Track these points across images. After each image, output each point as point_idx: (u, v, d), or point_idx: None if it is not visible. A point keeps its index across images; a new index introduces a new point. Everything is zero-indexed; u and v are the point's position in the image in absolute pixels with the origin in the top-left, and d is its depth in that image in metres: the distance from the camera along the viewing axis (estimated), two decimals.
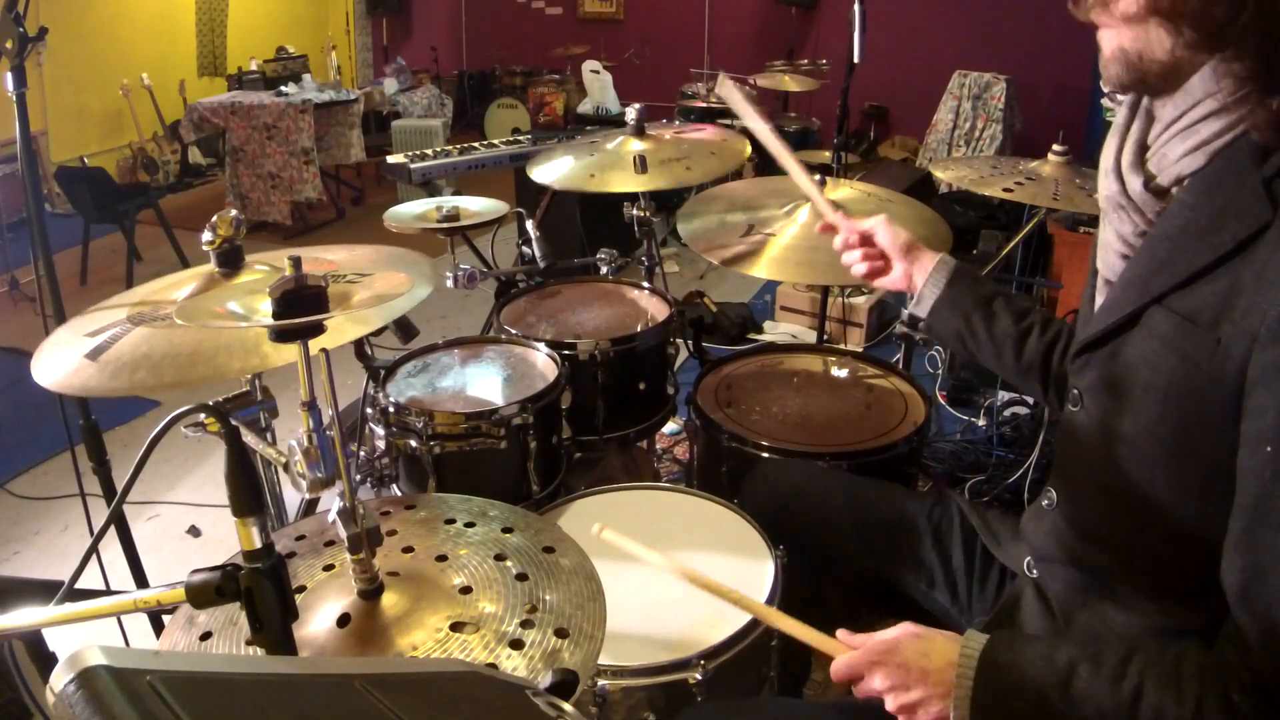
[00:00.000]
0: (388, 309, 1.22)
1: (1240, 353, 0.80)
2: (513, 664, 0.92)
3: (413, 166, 3.41)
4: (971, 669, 0.90)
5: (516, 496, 1.64)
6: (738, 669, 1.19)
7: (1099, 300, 1.02)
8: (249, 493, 0.78)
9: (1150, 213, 0.94)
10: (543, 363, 1.80)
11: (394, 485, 1.71)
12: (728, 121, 5.37)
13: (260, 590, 0.76)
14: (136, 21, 6.32)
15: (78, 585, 1.02)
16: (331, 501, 0.98)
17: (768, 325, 3.85)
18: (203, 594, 0.76)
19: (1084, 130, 5.12)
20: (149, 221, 4.82)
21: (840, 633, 0.99)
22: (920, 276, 1.26)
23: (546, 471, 1.71)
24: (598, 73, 5.44)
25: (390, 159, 3.54)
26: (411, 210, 2.11)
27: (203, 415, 0.95)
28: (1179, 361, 0.86)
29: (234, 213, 1.30)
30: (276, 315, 0.85)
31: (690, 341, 2.24)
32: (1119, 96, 0.99)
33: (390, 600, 1.00)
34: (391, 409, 1.63)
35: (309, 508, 1.91)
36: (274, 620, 0.77)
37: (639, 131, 2.21)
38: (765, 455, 1.64)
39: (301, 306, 0.85)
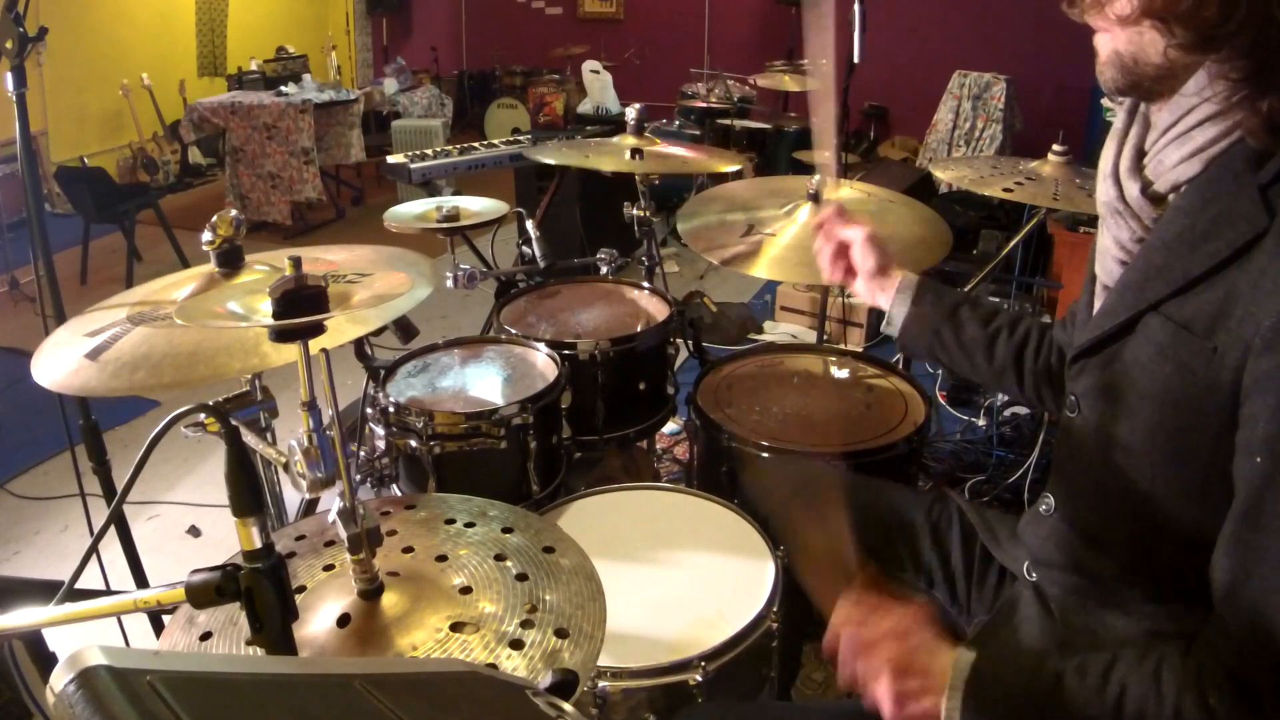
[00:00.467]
0: (388, 309, 1.22)
1: (1235, 361, 0.80)
2: (513, 664, 0.92)
3: (413, 166, 3.41)
4: (960, 683, 0.89)
5: (516, 496, 1.64)
6: (738, 670, 1.19)
7: (1097, 305, 1.02)
8: (249, 493, 0.78)
9: (1147, 219, 0.94)
10: (543, 363, 1.80)
11: (394, 485, 1.71)
12: (727, 122, 5.38)
13: (260, 590, 0.76)
14: (136, 21, 6.32)
15: (78, 585, 1.02)
16: (331, 501, 0.98)
17: (768, 325, 3.85)
18: (203, 594, 0.76)
19: (1084, 130, 5.12)
20: (149, 221, 4.82)
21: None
22: (886, 300, 1.28)
23: (546, 471, 1.71)
24: (598, 73, 5.43)
25: (390, 159, 3.54)
26: (411, 210, 2.11)
27: (203, 415, 0.95)
28: (1175, 369, 0.86)
29: (234, 213, 1.30)
30: (276, 315, 0.85)
31: (690, 341, 2.24)
32: (1118, 99, 0.99)
33: (390, 600, 1.00)
34: (391, 409, 1.62)
35: (309, 508, 1.91)
36: (274, 620, 0.77)
37: (639, 132, 2.21)
38: (765, 455, 1.64)
39: (301, 306, 0.85)
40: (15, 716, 1.28)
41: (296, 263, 0.86)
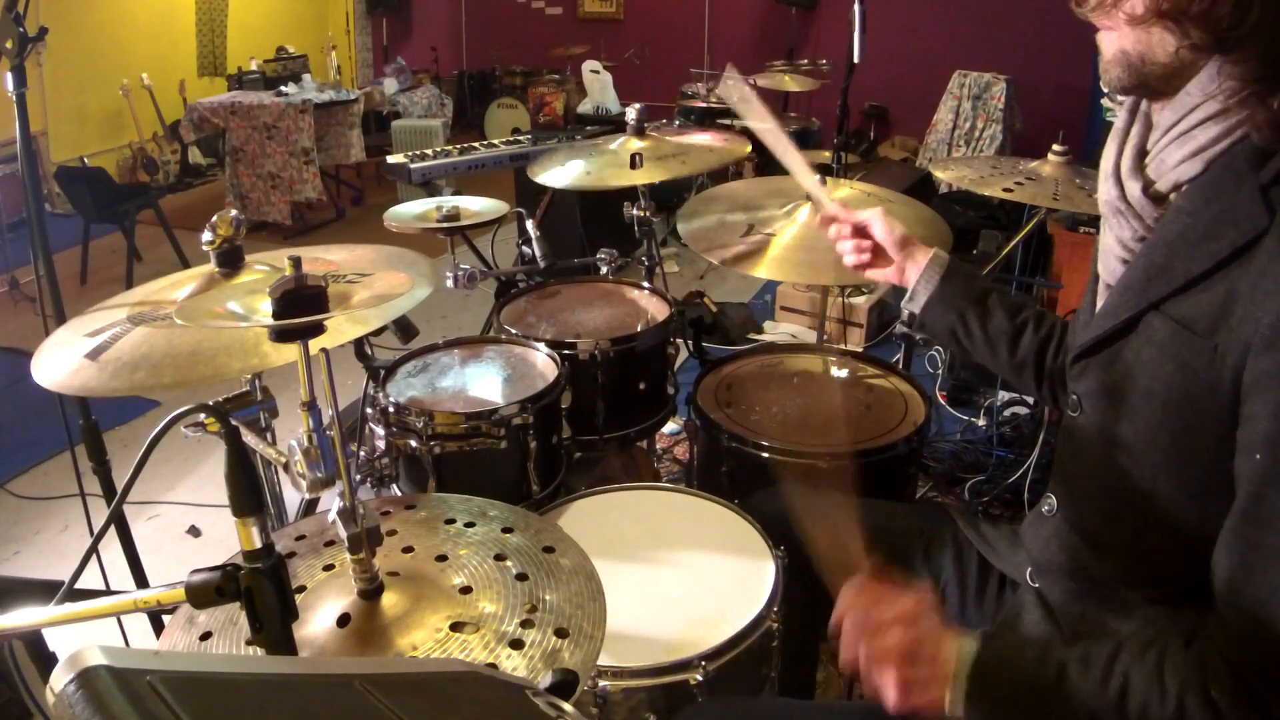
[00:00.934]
0: (388, 309, 1.22)
1: (1236, 360, 0.81)
2: (513, 664, 0.92)
3: (413, 166, 3.41)
4: (965, 670, 0.89)
5: (516, 496, 1.64)
6: (739, 670, 1.19)
7: (1099, 304, 1.02)
8: (249, 493, 0.78)
9: (1149, 218, 0.94)
10: (543, 363, 1.80)
11: (394, 485, 1.71)
12: (727, 121, 5.38)
13: (260, 590, 0.76)
14: (136, 21, 6.32)
15: (78, 585, 1.02)
16: (331, 501, 0.98)
17: (768, 325, 3.85)
18: (203, 594, 0.76)
19: (1084, 130, 5.12)
20: (149, 221, 4.82)
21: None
22: (914, 272, 1.25)
23: (546, 471, 1.71)
24: (598, 73, 5.43)
25: (390, 159, 3.54)
26: (411, 210, 2.11)
27: (203, 415, 0.95)
28: (1177, 368, 0.86)
29: (234, 213, 1.30)
30: (276, 315, 0.85)
31: (690, 341, 2.24)
32: (1119, 98, 0.99)
33: (390, 600, 1.00)
34: (391, 409, 1.62)
35: (309, 508, 1.90)
36: (274, 620, 0.77)
37: (639, 132, 2.21)
38: (765, 455, 1.64)
39: (301, 306, 0.85)
40: (15, 716, 1.28)
41: (296, 263, 0.86)
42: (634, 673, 1.14)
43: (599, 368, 1.83)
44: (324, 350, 0.95)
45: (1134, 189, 0.94)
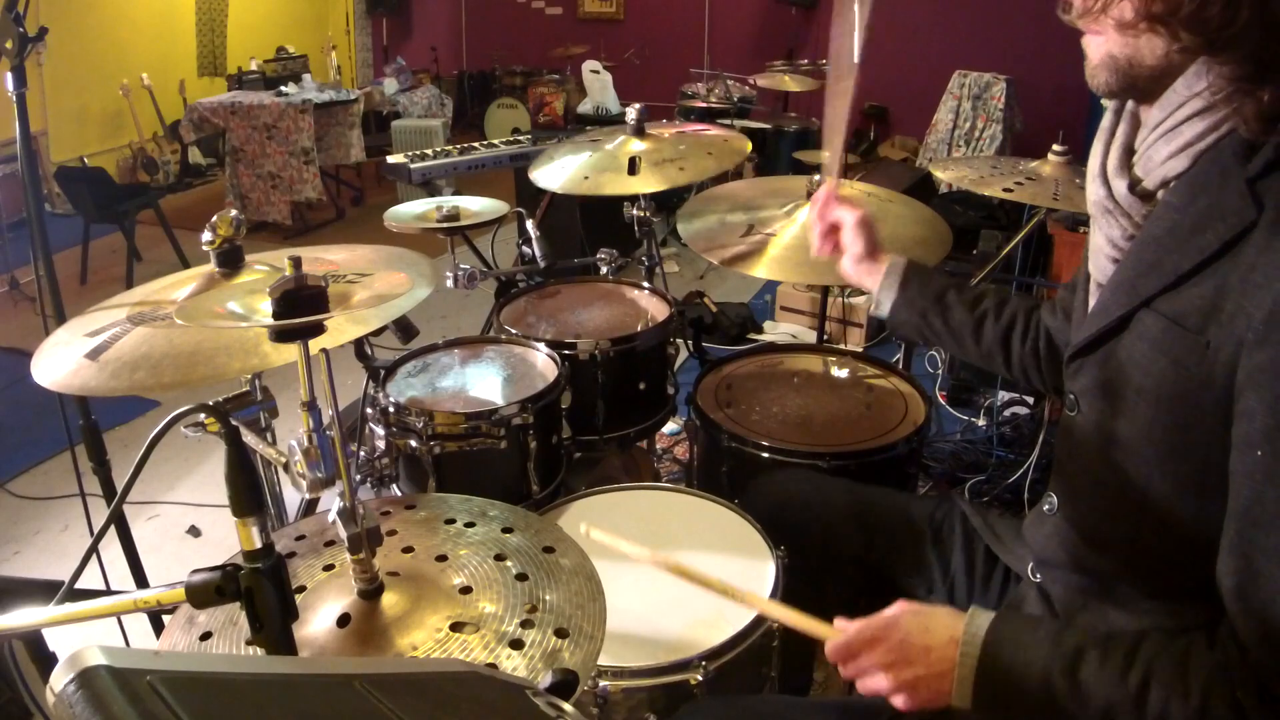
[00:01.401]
0: (388, 309, 1.22)
1: (1228, 356, 0.80)
2: (513, 664, 0.92)
3: (413, 166, 3.41)
4: (976, 646, 0.89)
5: (516, 496, 1.64)
6: (739, 670, 1.19)
7: (1091, 303, 1.02)
8: (249, 493, 0.78)
9: (1138, 216, 0.94)
10: (543, 363, 1.80)
11: (394, 485, 1.71)
12: (728, 122, 5.38)
13: (260, 590, 0.76)
14: (136, 21, 6.32)
15: (78, 585, 1.02)
16: (331, 501, 0.98)
17: (768, 325, 3.85)
18: (203, 594, 0.76)
19: (1084, 130, 5.11)
20: (149, 221, 4.82)
21: (838, 620, 0.99)
22: (873, 283, 1.33)
23: (546, 471, 1.70)
24: (598, 73, 5.44)
25: (390, 159, 3.54)
26: (411, 210, 2.10)
27: (203, 415, 0.95)
28: (1170, 365, 0.86)
29: (234, 213, 1.30)
30: (276, 315, 0.85)
31: (690, 341, 2.24)
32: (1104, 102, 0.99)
33: (390, 600, 1.00)
34: (391, 409, 1.62)
35: (309, 508, 1.90)
36: (274, 620, 0.77)
37: (639, 132, 2.21)
38: (765, 455, 1.64)
39: (301, 306, 0.85)
40: (15, 716, 1.28)
41: (296, 263, 0.86)
42: (634, 673, 1.14)
43: (599, 368, 1.83)
44: (324, 350, 0.95)
45: (1120, 187, 0.95)
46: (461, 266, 2.02)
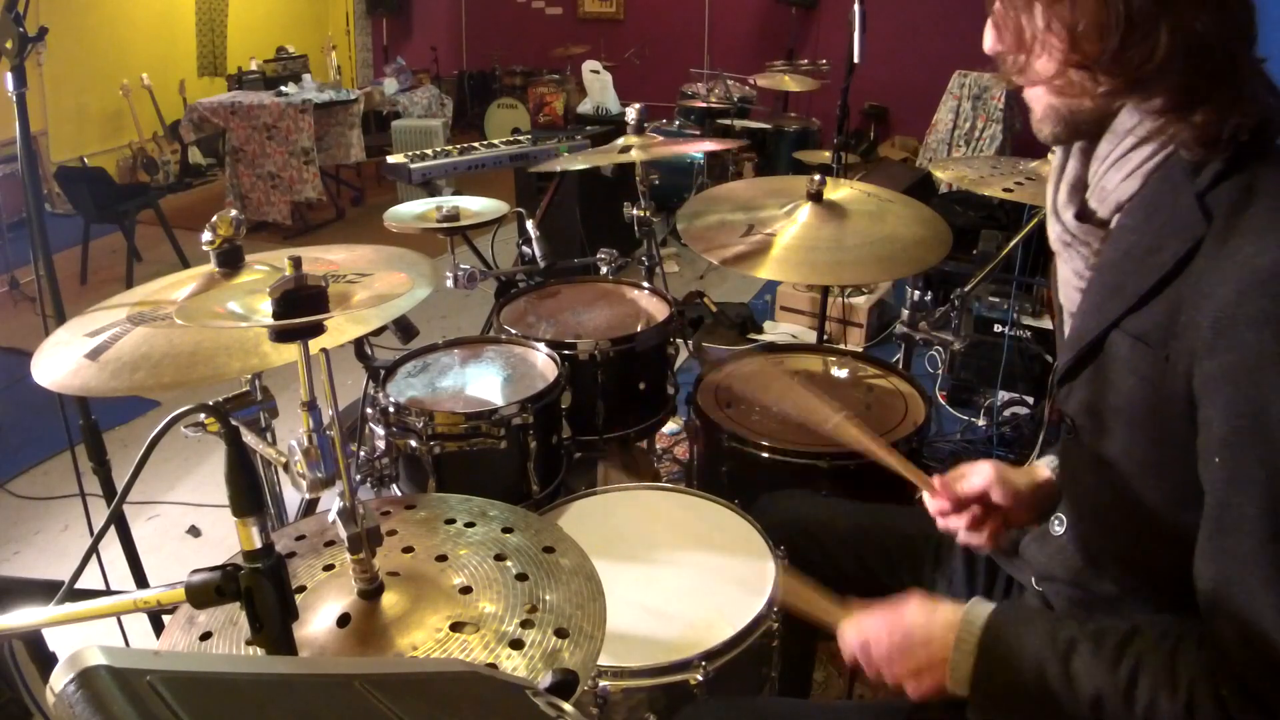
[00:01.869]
0: (388, 309, 1.22)
1: (1185, 367, 0.81)
2: (513, 664, 0.92)
3: (413, 166, 3.41)
4: (973, 635, 0.91)
5: (516, 496, 1.64)
6: (739, 670, 1.19)
7: (1067, 331, 1.03)
8: (249, 493, 0.77)
9: (1096, 244, 0.95)
10: (543, 363, 1.80)
11: (394, 485, 1.71)
12: (727, 122, 5.38)
13: (260, 590, 0.76)
14: (136, 21, 6.32)
15: (78, 585, 1.02)
16: (331, 501, 0.98)
17: (768, 325, 3.85)
18: (203, 594, 0.76)
19: None
20: (149, 221, 4.82)
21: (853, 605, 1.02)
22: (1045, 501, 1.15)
23: (546, 471, 1.70)
24: (598, 73, 5.43)
25: (390, 159, 3.53)
26: (411, 210, 2.11)
27: (203, 415, 0.95)
28: (1138, 382, 0.87)
29: (234, 213, 1.30)
30: (276, 315, 0.85)
31: (690, 341, 2.24)
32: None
33: (390, 600, 1.00)
34: (391, 409, 1.62)
35: (309, 508, 1.91)
36: (274, 620, 0.77)
37: (639, 132, 2.21)
38: (765, 455, 1.64)
39: (301, 306, 0.85)
40: (15, 716, 1.28)
41: (296, 263, 0.86)
42: (634, 673, 1.14)
43: (599, 368, 1.83)
44: (324, 350, 0.95)
45: (1068, 217, 0.97)
46: (461, 266, 2.02)
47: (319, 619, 0.98)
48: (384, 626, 0.97)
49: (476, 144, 3.67)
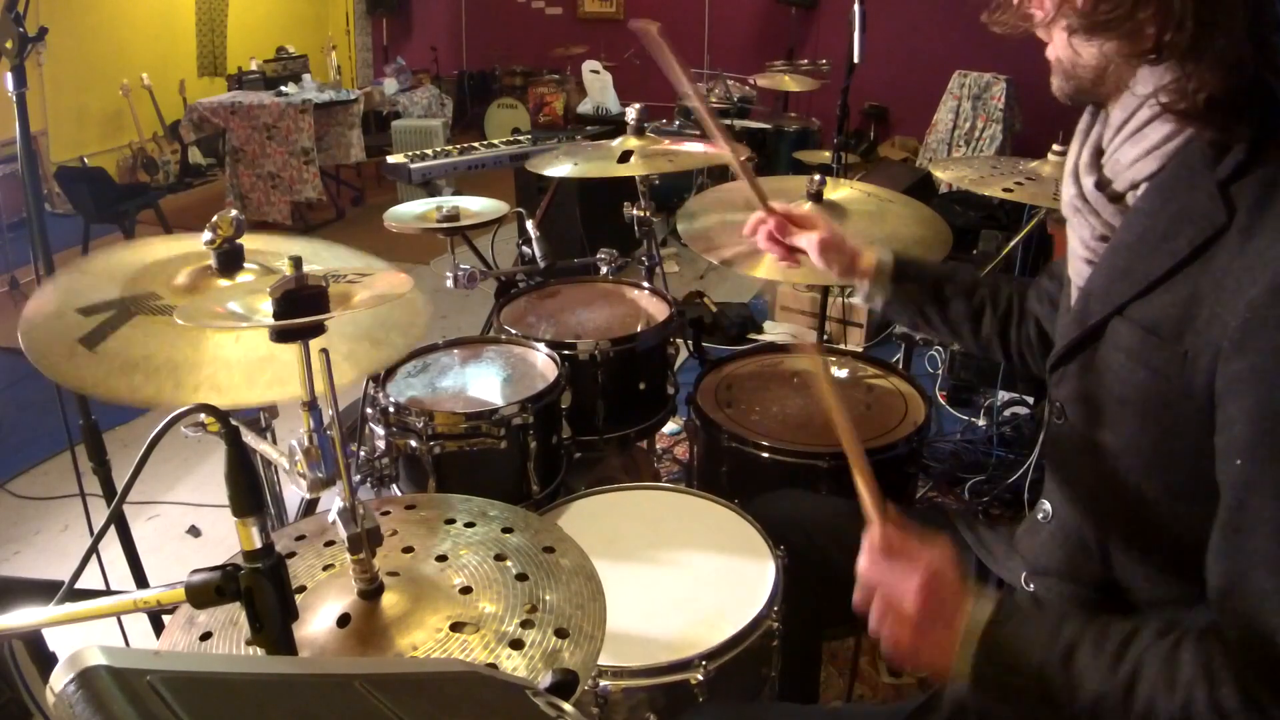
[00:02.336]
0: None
1: (1206, 364, 0.80)
2: (513, 664, 0.92)
3: (413, 166, 3.41)
4: (974, 636, 0.89)
5: (516, 496, 1.64)
6: (739, 670, 1.19)
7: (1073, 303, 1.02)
8: (249, 493, 0.77)
9: (1106, 215, 0.94)
10: (543, 363, 1.80)
11: (394, 485, 1.71)
12: (727, 122, 5.38)
13: (260, 590, 0.76)
14: (136, 21, 6.32)
15: (78, 585, 1.02)
16: (331, 501, 0.98)
17: (768, 325, 3.85)
18: (203, 594, 0.76)
19: None
20: (149, 221, 4.82)
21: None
22: (863, 284, 1.33)
23: (546, 471, 1.71)
24: (598, 73, 5.43)
25: (390, 159, 3.54)
26: (411, 210, 2.11)
27: (203, 415, 0.95)
28: (1150, 376, 0.86)
29: (234, 213, 1.30)
30: (277, 315, 0.85)
31: (690, 341, 2.24)
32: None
33: (390, 600, 1.00)
34: (391, 409, 1.62)
35: (309, 508, 1.91)
36: (274, 620, 0.77)
37: (639, 132, 2.21)
38: (765, 455, 1.64)
39: (302, 306, 0.85)
40: (15, 716, 1.28)
41: (297, 263, 0.86)
42: (634, 672, 1.14)
43: (599, 368, 1.83)
44: (324, 350, 0.95)
45: (1088, 183, 0.95)
46: (461, 266, 2.02)
47: (319, 619, 0.98)
48: (384, 626, 0.97)
49: (476, 144, 3.68)
